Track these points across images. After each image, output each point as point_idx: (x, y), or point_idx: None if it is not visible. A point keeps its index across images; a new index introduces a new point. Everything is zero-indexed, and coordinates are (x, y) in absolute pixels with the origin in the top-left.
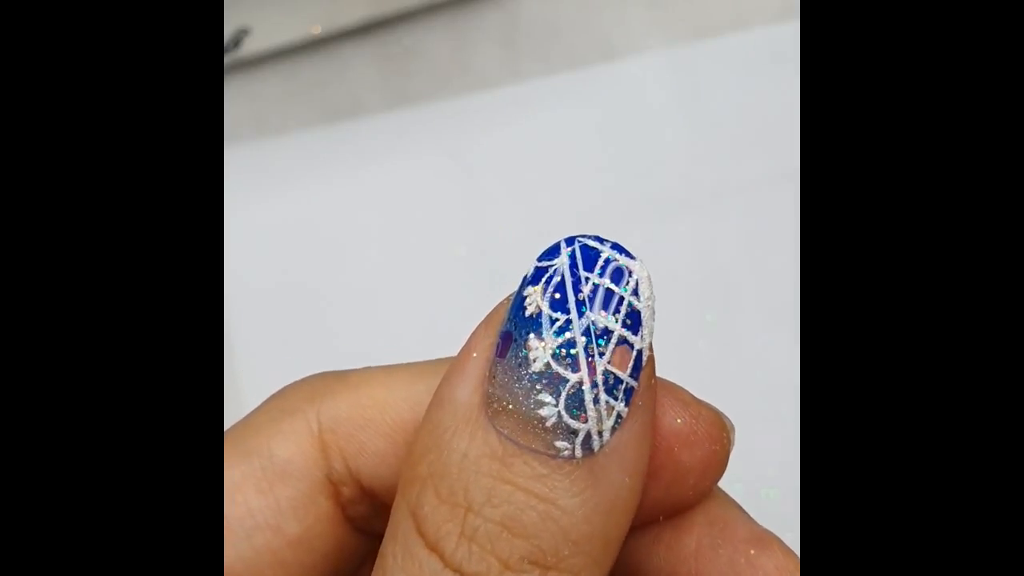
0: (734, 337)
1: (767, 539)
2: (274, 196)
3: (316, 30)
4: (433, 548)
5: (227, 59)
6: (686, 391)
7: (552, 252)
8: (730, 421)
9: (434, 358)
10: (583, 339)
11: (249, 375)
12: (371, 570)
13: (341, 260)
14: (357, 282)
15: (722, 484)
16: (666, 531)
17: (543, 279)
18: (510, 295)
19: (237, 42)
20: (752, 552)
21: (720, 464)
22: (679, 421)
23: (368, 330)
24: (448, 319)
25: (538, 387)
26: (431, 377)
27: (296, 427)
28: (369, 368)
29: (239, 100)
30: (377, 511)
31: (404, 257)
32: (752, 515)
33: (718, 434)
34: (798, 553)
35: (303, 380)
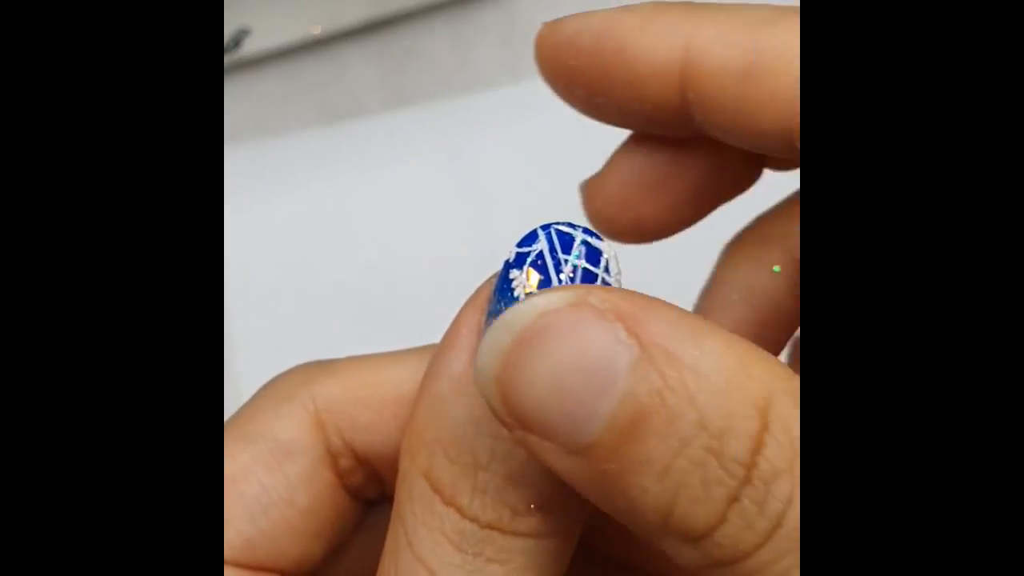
0: None
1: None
2: (274, 196)
3: (316, 30)
4: (450, 503)
5: (227, 59)
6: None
7: (531, 238)
8: None
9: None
10: None
11: (249, 375)
12: (364, 536)
13: (341, 260)
14: (357, 282)
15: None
16: None
17: (526, 263)
18: (491, 278)
19: (237, 42)
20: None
21: None
22: None
23: (368, 330)
24: (448, 318)
25: None
26: (410, 362)
27: (295, 410)
28: (354, 356)
29: (239, 100)
30: (370, 479)
31: (404, 257)
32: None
33: None
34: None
35: (295, 369)
